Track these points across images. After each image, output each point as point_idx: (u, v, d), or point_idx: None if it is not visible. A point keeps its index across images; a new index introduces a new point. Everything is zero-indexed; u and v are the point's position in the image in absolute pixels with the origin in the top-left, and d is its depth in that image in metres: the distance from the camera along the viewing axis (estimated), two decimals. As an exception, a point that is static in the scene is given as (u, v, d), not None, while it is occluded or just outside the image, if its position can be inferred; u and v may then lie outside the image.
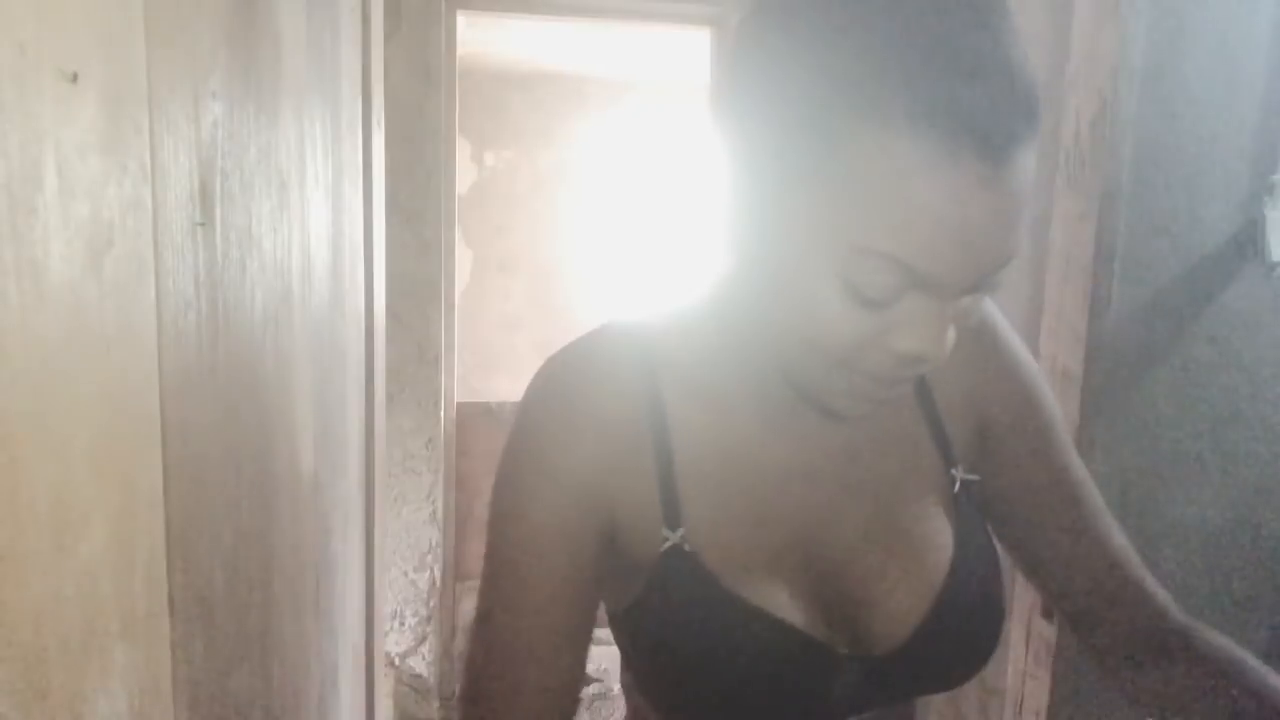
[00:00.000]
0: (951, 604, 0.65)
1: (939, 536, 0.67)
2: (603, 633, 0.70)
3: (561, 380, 0.67)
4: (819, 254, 0.52)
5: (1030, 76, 0.50)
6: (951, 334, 0.54)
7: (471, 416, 2.94)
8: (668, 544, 0.63)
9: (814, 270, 0.53)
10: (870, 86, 0.49)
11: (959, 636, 0.66)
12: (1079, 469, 0.74)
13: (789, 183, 0.53)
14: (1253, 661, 0.67)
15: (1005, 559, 0.73)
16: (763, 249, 0.56)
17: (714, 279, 0.68)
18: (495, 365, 4.67)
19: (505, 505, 0.67)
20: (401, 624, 2.74)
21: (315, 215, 1.03)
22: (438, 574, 2.73)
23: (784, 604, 0.64)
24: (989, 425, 0.73)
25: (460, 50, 2.70)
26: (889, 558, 0.66)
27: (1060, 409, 0.76)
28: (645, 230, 4.74)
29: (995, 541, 0.72)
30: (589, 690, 2.91)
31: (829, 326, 0.53)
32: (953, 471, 0.70)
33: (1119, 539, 0.73)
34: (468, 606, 2.97)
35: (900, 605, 0.65)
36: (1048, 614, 1.33)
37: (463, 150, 4.34)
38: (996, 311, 0.74)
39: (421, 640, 2.76)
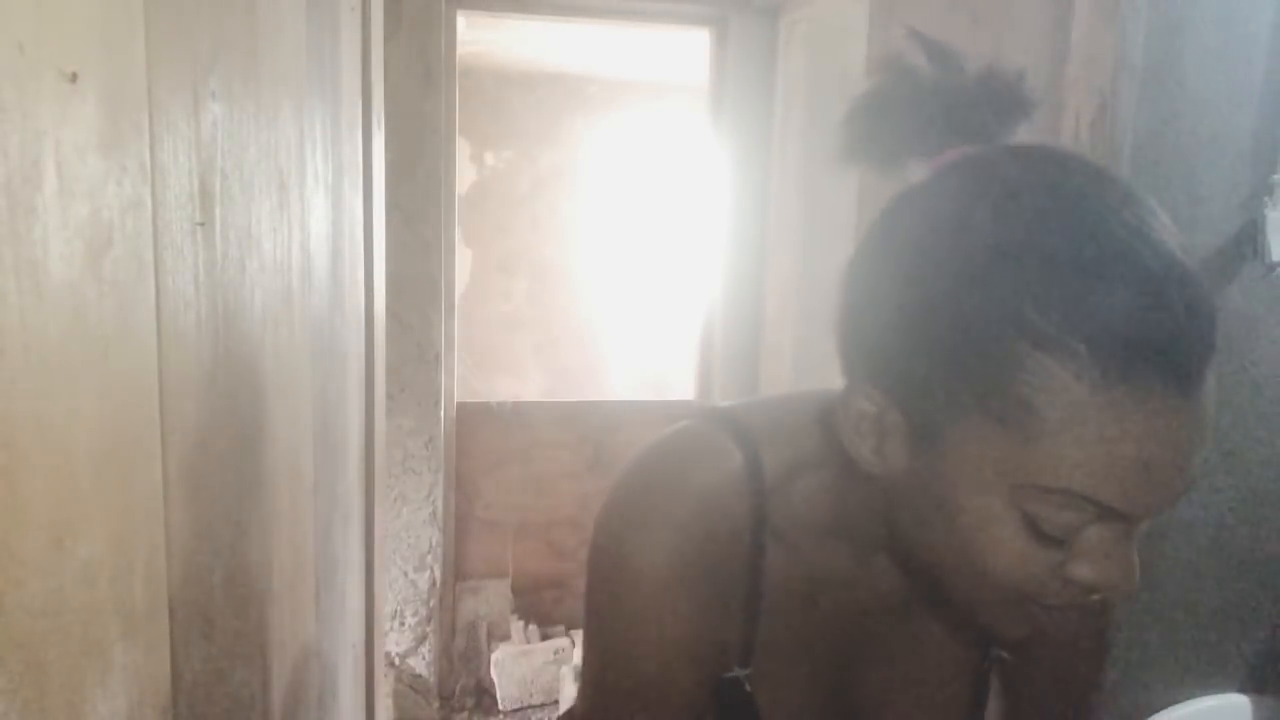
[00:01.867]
0: None
1: (955, 707, 0.70)
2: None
3: (667, 468, 0.62)
4: (994, 491, 0.49)
5: (1201, 284, 0.47)
6: (1135, 559, 0.50)
7: (471, 416, 2.93)
8: (729, 675, 0.64)
9: (988, 507, 0.49)
10: (1043, 313, 0.46)
11: None
12: (1096, 682, 0.77)
13: (956, 409, 0.49)
14: None
15: None
16: (926, 471, 0.52)
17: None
18: (495, 365, 4.67)
19: (613, 614, 0.63)
20: (401, 624, 2.74)
21: (315, 215, 1.03)
22: (438, 574, 2.73)
23: None
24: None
25: (460, 50, 2.70)
26: (911, 712, 0.69)
27: None
28: (645, 230, 4.74)
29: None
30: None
31: (1005, 563, 0.50)
32: (991, 651, 0.71)
33: None
34: (468, 606, 2.97)
35: None
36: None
37: (463, 150, 4.33)
38: None
39: (421, 640, 2.76)
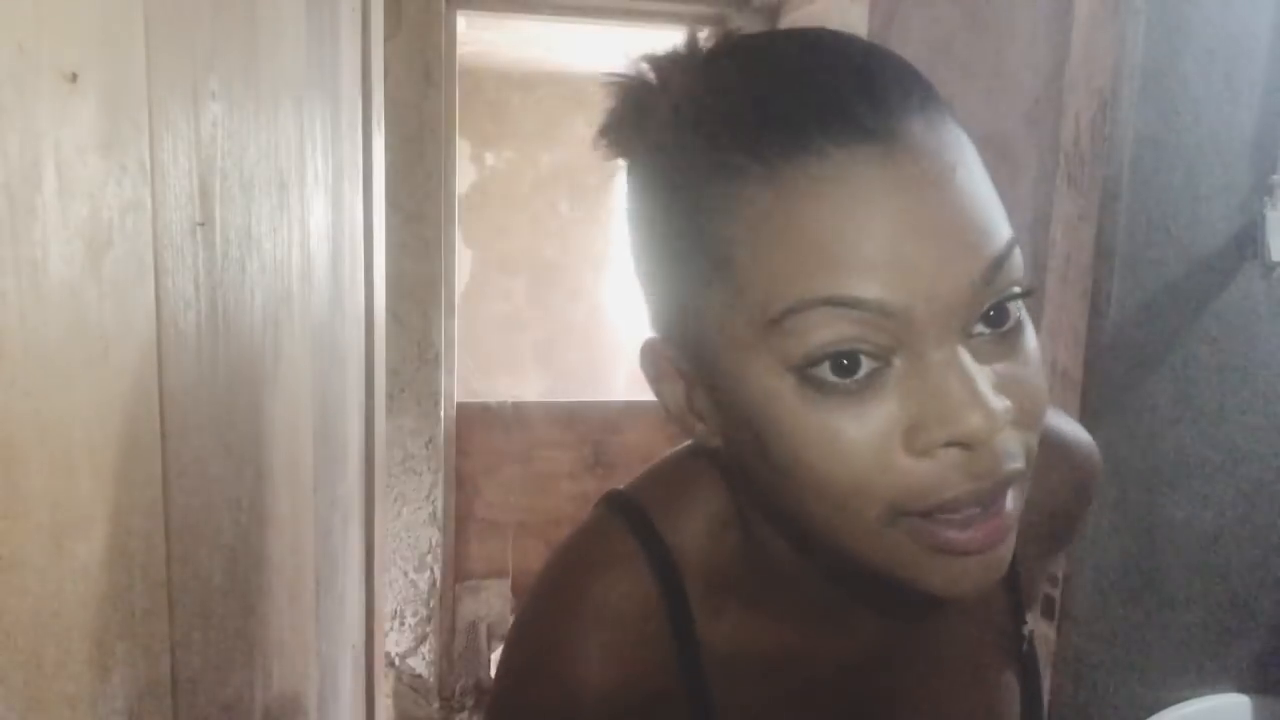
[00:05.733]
0: None
1: (1008, 706, 0.60)
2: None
3: (565, 587, 0.55)
4: (758, 356, 0.39)
5: (847, 42, 0.41)
6: (989, 392, 0.37)
7: (471, 416, 2.93)
8: None
9: (768, 384, 0.39)
10: (708, 144, 0.40)
11: None
12: None
13: (695, 294, 0.42)
14: None
15: None
16: (713, 384, 0.44)
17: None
18: (495, 365, 4.67)
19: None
20: (401, 624, 2.74)
21: (315, 215, 1.03)
22: (438, 574, 2.73)
23: None
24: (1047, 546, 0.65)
25: (460, 50, 2.70)
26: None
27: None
28: (645, 230, 4.74)
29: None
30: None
31: (821, 446, 0.38)
32: (1024, 628, 0.61)
33: None
34: (468, 606, 2.97)
35: None
36: (1048, 614, 1.33)
37: (463, 150, 4.33)
38: (1091, 448, 0.63)
39: (421, 640, 2.76)
